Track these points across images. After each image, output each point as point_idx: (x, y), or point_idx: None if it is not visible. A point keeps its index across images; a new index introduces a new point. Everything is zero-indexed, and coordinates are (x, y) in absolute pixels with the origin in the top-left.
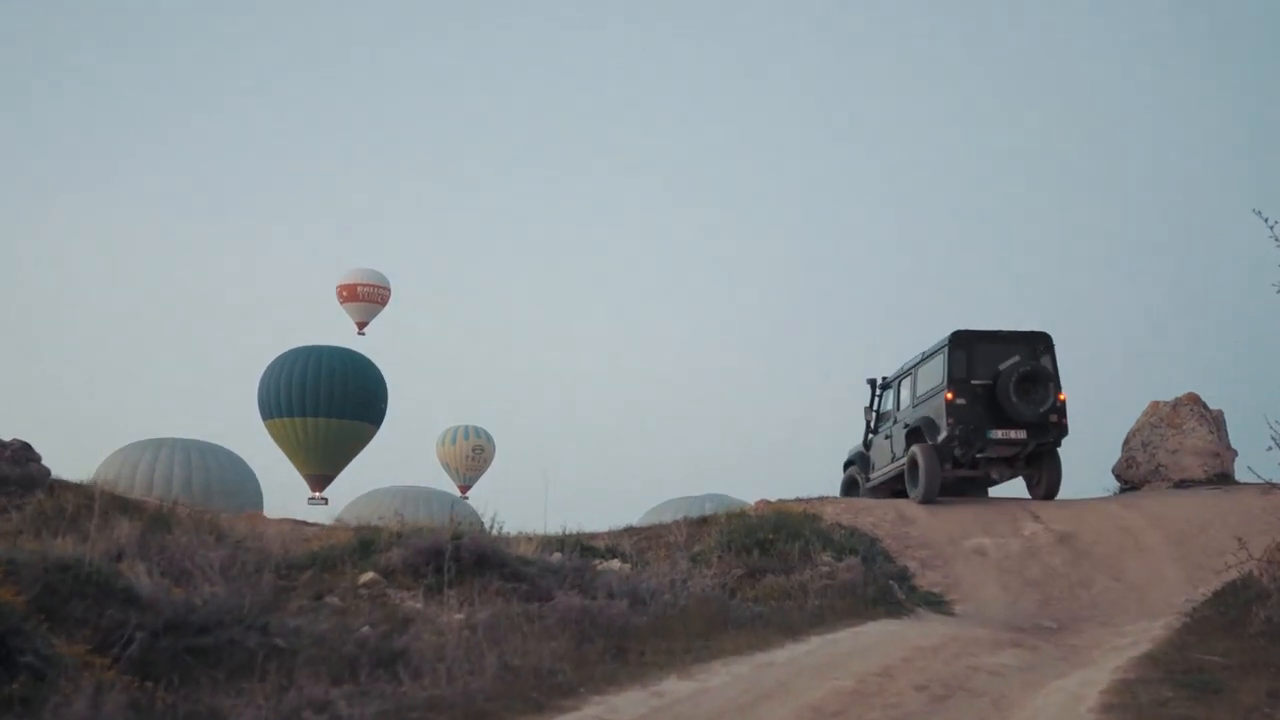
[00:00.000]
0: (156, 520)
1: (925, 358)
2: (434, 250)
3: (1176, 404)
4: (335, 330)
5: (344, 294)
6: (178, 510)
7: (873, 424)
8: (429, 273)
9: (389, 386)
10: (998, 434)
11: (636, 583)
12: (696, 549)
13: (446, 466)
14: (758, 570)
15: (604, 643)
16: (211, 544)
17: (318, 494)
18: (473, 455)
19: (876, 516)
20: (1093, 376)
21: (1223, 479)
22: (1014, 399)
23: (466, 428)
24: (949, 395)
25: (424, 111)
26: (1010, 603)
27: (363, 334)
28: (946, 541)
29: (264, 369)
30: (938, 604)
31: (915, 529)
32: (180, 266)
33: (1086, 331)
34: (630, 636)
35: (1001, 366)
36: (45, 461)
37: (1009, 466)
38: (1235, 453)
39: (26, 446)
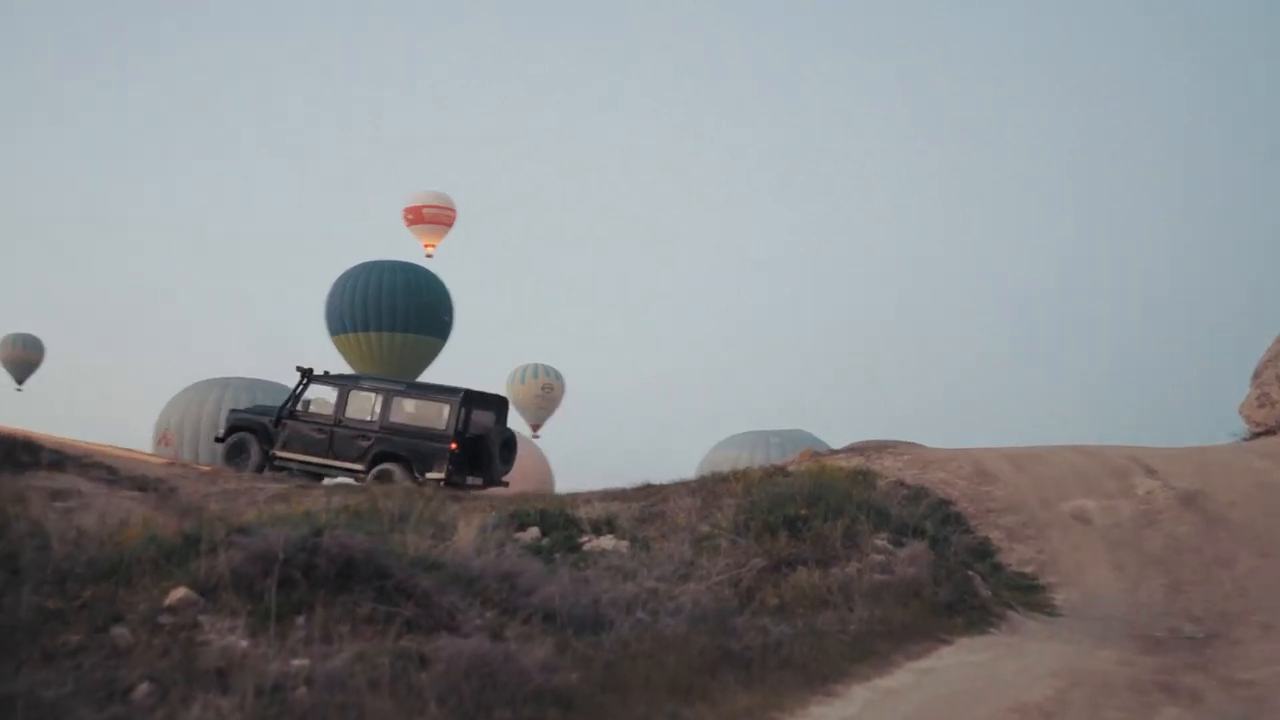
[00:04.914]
0: None
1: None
2: (505, 176)
3: None
4: (405, 255)
5: (410, 216)
6: None
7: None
8: (498, 200)
9: (455, 309)
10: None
11: (589, 596)
12: (705, 529)
13: (517, 405)
14: (786, 560)
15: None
16: None
17: None
18: (542, 394)
19: (949, 471)
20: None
21: None
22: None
23: (535, 366)
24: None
25: (500, 27)
26: (1128, 590)
27: (430, 255)
28: (1038, 504)
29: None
30: (1033, 596)
31: (999, 488)
32: (252, 196)
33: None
34: (555, 704)
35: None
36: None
37: None
38: None
39: None
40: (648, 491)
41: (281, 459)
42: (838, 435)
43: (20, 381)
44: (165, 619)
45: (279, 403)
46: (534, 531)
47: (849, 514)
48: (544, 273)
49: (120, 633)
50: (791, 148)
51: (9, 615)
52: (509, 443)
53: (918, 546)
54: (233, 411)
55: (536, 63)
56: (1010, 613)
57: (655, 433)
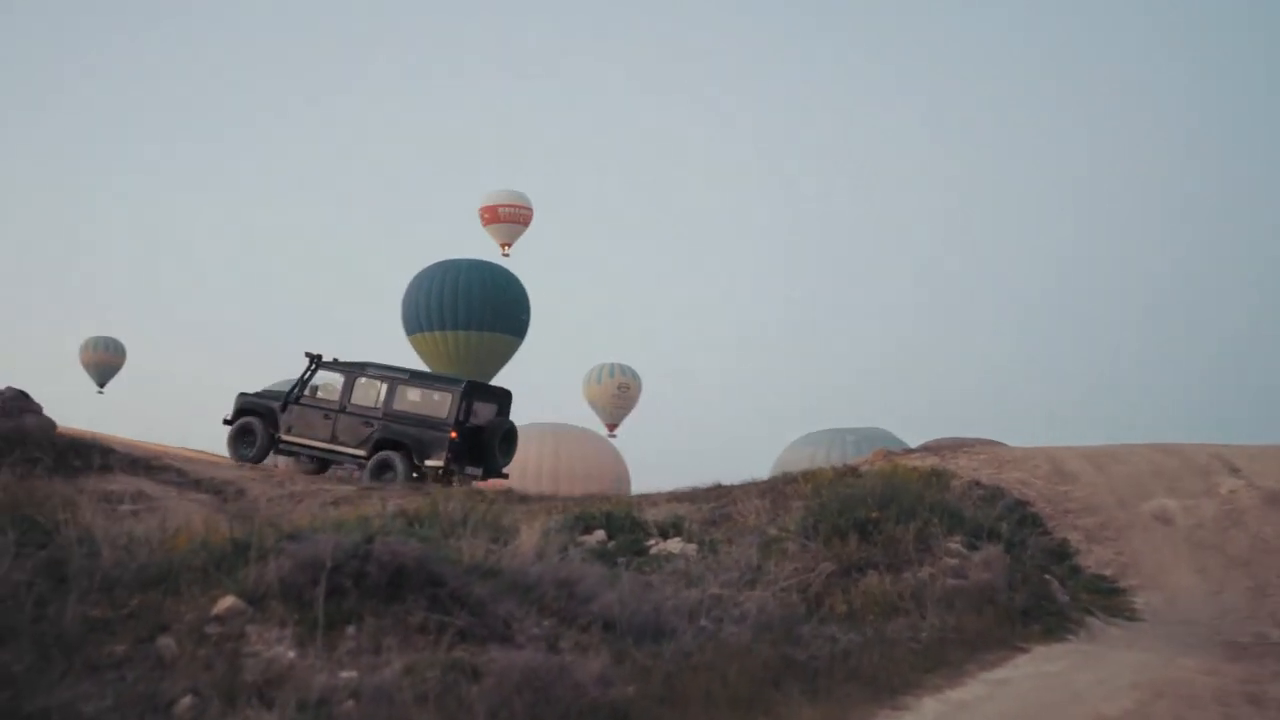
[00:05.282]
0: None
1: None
2: (581, 175)
3: None
4: (481, 254)
5: (486, 216)
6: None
7: (300, 393)
8: (574, 198)
9: (532, 307)
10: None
11: (651, 604)
12: (773, 532)
13: (593, 405)
14: (856, 565)
15: None
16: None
17: None
18: (618, 394)
19: (1026, 471)
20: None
21: None
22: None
23: (612, 365)
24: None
25: (576, 29)
26: (1212, 594)
27: (507, 255)
28: (1117, 504)
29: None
30: (1113, 600)
31: (1077, 488)
32: (328, 198)
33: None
34: (610, 719)
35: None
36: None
37: None
38: None
39: (21, 395)
40: (718, 492)
41: (286, 443)
42: (916, 433)
43: (101, 385)
44: (212, 629)
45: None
46: (600, 534)
47: (921, 516)
48: (620, 271)
49: (166, 643)
50: (870, 144)
51: (53, 625)
52: (509, 435)
53: (992, 550)
54: (241, 395)
55: (615, 61)
56: (1089, 619)
57: (732, 431)
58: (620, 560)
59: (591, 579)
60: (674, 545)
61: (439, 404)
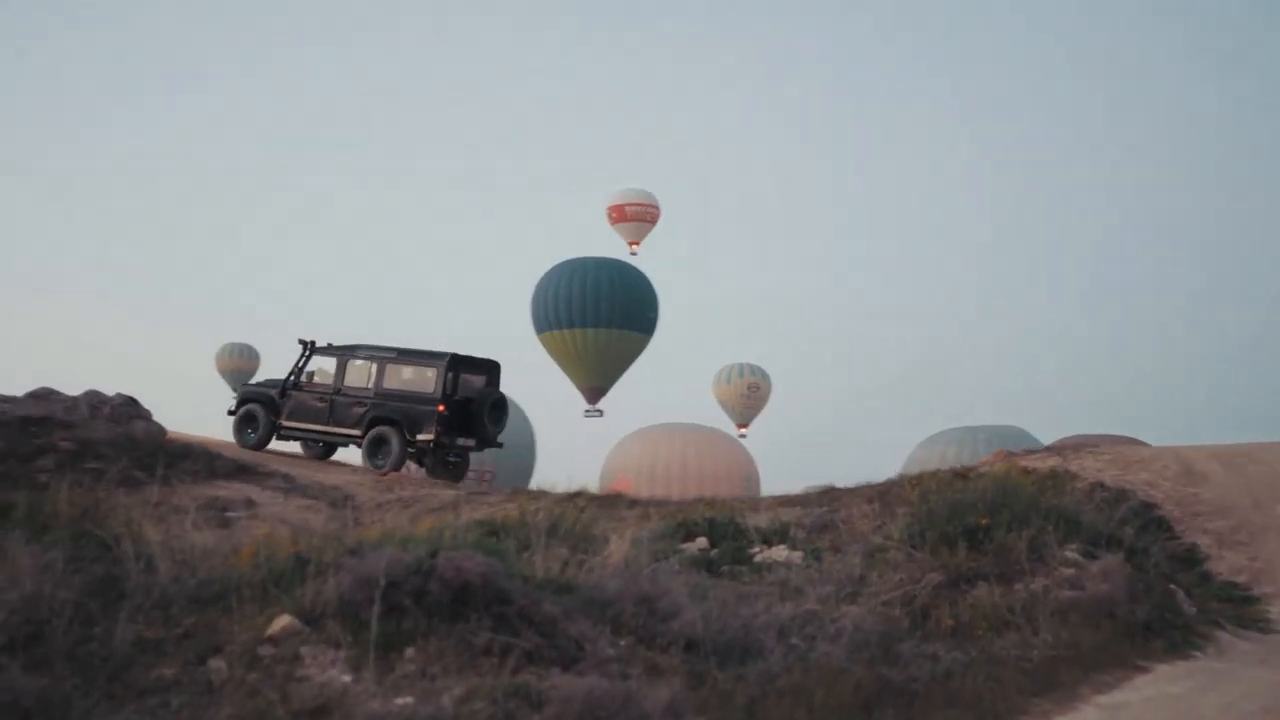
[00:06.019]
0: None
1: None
2: (708, 173)
3: None
4: (609, 253)
5: (614, 215)
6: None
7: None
8: (702, 196)
9: (661, 308)
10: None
11: (740, 620)
12: (877, 539)
13: (723, 405)
14: (964, 576)
15: None
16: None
17: (593, 407)
18: (748, 393)
19: (1153, 471)
20: None
21: None
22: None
23: (741, 365)
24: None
25: (706, 26)
26: None
27: (635, 253)
28: (1251, 506)
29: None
30: (1245, 610)
31: (1207, 489)
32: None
33: None
34: None
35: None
36: None
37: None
38: None
39: (130, 402)
40: (830, 495)
41: (287, 428)
42: (1054, 431)
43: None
44: (265, 651)
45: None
46: (701, 542)
47: (1035, 523)
48: (750, 269)
49: (217, 666)
50: (1004, 141)
51: (101, 645)
52: (498, 404)
53: (1112, 559)
54: (243, 385)
55: (745, 58)
56: (1218, 632)
57: (865, 429)
58: (723, 569)
59: (674, 594)
60: (779, 553)
61: (426, 379)
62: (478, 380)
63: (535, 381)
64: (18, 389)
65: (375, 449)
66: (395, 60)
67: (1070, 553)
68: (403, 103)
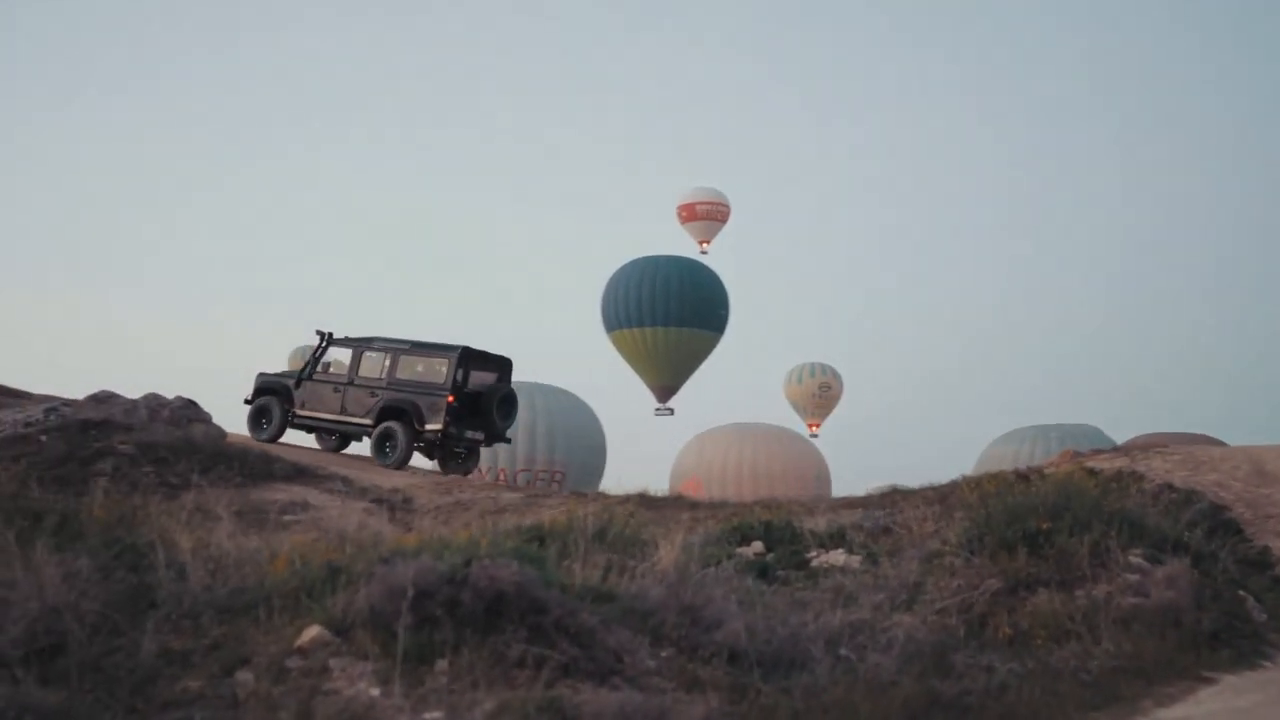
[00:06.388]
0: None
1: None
2: (778, 172)
3: None
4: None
5: (684, 214)
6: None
7: (312, 370)
8: (772, 196)
9: (732, 307)
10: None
11: (788, 630)
12: (933, 545)
13: (794, 404)
14: (1024, 582)
15: None
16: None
17: (663, 405)
18: (820, 393)
19: (1223, 472)
20: None
21: None
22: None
23: (813, 365)
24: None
25: (777, 25)
26: None
27: (705, 252)
28: None
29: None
30: None
31: None
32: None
33: None
34: None
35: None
36: None
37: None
38: None
39: (190, 405)
40: (893, 497)
41: (301, 417)
42: (1129, 430)
43: None
44: (293, 663)
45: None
46: (757, 546)
47: (1098, 527)
48: (821, 268)
49: (244, 679)
50: (1071, 137)
51: (127, 657)
52: (507, 398)
53: (1177, 564)
54: (260, 375)
55: (816, 57)
56: None
57: (938, 428)
58: (778, 574)
59: (718, 603)
60: (836, 557)
61: (437, 370)
62: (489, 375)
63: (606, 382)
64: (79, 392)
65: (383, 442)
66: (476, 60)
67: (1134, 558)
68: (478, 102)
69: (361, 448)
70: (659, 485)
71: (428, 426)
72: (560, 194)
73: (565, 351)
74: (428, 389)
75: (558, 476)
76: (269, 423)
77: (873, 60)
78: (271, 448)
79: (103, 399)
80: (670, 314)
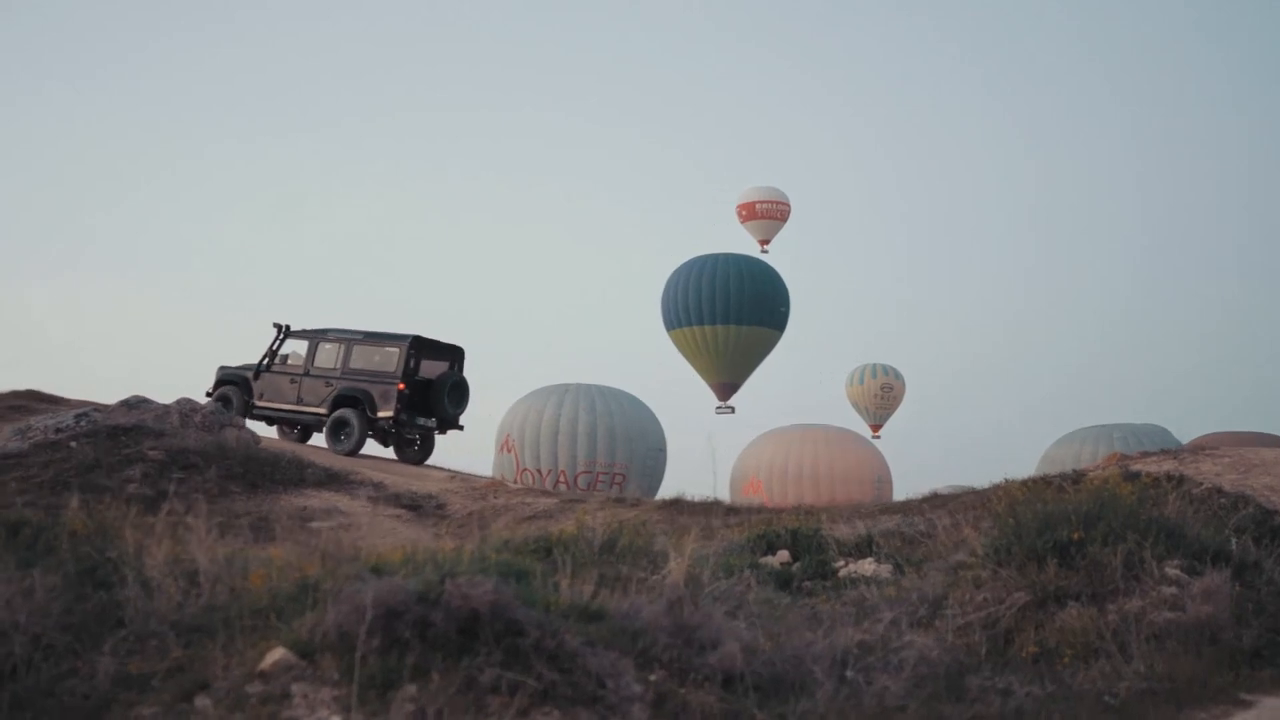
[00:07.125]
0: None
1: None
2: (839, 170)
3: None
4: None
5: (744, 213)
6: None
7: (270, 361)
8: (835, 196)
9: (793, 306)
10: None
11: (791, 651)
12: (957, 557)
13: (856, 405)
14: (1054, 595)
15: None
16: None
17: (724, 403)
18: (881, 394)
19: (1276, 475)
20: None
21: None
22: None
23: (875, 366)
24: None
25: (834, 32)
26: None
27: (765, 251)
28: None
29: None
30: None
31: None
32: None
33: None
34: None
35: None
36: None
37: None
38: None
39: (222, 410)
40: (933, 502)
41: (260, 408)
42: (1196, 429)
43: None
44: (254, 688)
45: None
46: (783, 555)
47: (1132, 536)
48: (882, 268)
49: (203, 705)
50: (1138, 139)
51: (83, 682)
52: (458, 386)
53: (1216, 576)
54: (221, 367)
55: (875, 55)
56: None
57: (1002, 427)
58: (803, 584)
59: (716, 621)
60: (866, 566)
61: (389, 358)
62: (441, 364)
63: (666, 382)
64: (112, 397)
65: (337, 429)
66: (538, 62)
67: (1172, 569)
68: (540, 101)
69: (389, 452)
70: (721, 488)
71: (380, 414)
72: (618, 195)
73: (625, 350)
74: (380, 377)
75: (618, 479)
76: (231, 409)
77: (936, 60)
78: (304, 451)
79: (134, 404)
80: (730, 311)
